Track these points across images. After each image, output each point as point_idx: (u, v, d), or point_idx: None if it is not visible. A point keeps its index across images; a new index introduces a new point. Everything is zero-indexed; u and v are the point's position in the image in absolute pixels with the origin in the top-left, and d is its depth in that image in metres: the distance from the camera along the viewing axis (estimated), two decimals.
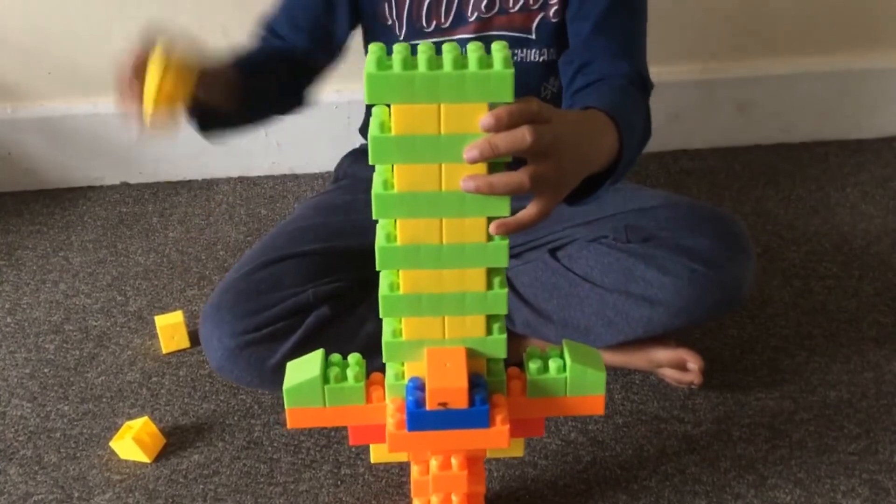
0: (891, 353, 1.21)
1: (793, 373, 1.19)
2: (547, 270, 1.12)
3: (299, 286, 1.08)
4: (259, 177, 1.67)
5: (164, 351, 1.26)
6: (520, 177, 0.73)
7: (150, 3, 1.53)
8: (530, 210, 0.77)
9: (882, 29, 1.64)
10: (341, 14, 1.12)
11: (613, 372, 1.18)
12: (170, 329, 1.26)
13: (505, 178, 0.73)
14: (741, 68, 1.64)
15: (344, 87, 1.54)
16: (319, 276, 1.10)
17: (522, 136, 0.71)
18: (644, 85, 1.03)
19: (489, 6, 1.06)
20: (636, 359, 1.15)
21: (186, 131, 1.61)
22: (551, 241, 1.13)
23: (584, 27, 1.04)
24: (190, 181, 1.67)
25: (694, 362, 1.13)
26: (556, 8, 1.06)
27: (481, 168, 0.73)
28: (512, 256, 1.15)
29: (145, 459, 1.09)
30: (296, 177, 1.66)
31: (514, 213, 0.77)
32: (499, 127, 0.71)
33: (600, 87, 0.99)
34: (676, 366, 1.14)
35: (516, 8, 1.06)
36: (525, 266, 1.14)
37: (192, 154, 1.65)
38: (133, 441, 1.08)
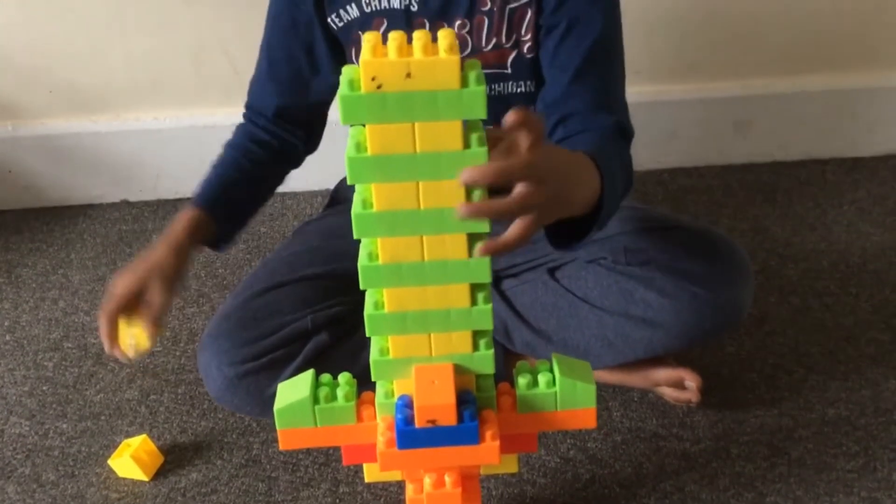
0: (888, 371, 1.21)
1: (791, 390, 1.19)
2: (546, 290, 1.12)
3: (298, 312, 1.08)
4: None
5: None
6: (509, 205, 0.73)
7: (149, 24, 1.54)
8: (512, 231, 0.76)
9: (879, 48, 1.65)
10: (324, 68, 1.13)
11: (612, 389, 1.18)
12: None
13: (495, 206, 0.73)
14: (739, 86, 1.65)
15: None
16: (318, 301, 1.09)
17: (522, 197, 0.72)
18: (624, 135, 1.02)
19: (462, 46, 1.05)
20: (634, 377, 1.15)
21: (181, 147, 1.63)
22: (550, 260, 1.13)
23: (562, 78, 1.03)
24: (190, 199, 1.67)
25: (692, 380, 1.13)
26: (529, 44, 1.05)
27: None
28: (511, 276, 1.15)
29: (143, 478, 1.09)
30: (295, 194, 1.66)
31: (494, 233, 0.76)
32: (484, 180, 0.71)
33: (582, 137, 0.98)
34: (675, 384, 1.14)
35: (489, 47, 1.05)
36: (524, 286, 1.13)
37: (191, 171, 1.65)
38: (131, 459, 1.08)
